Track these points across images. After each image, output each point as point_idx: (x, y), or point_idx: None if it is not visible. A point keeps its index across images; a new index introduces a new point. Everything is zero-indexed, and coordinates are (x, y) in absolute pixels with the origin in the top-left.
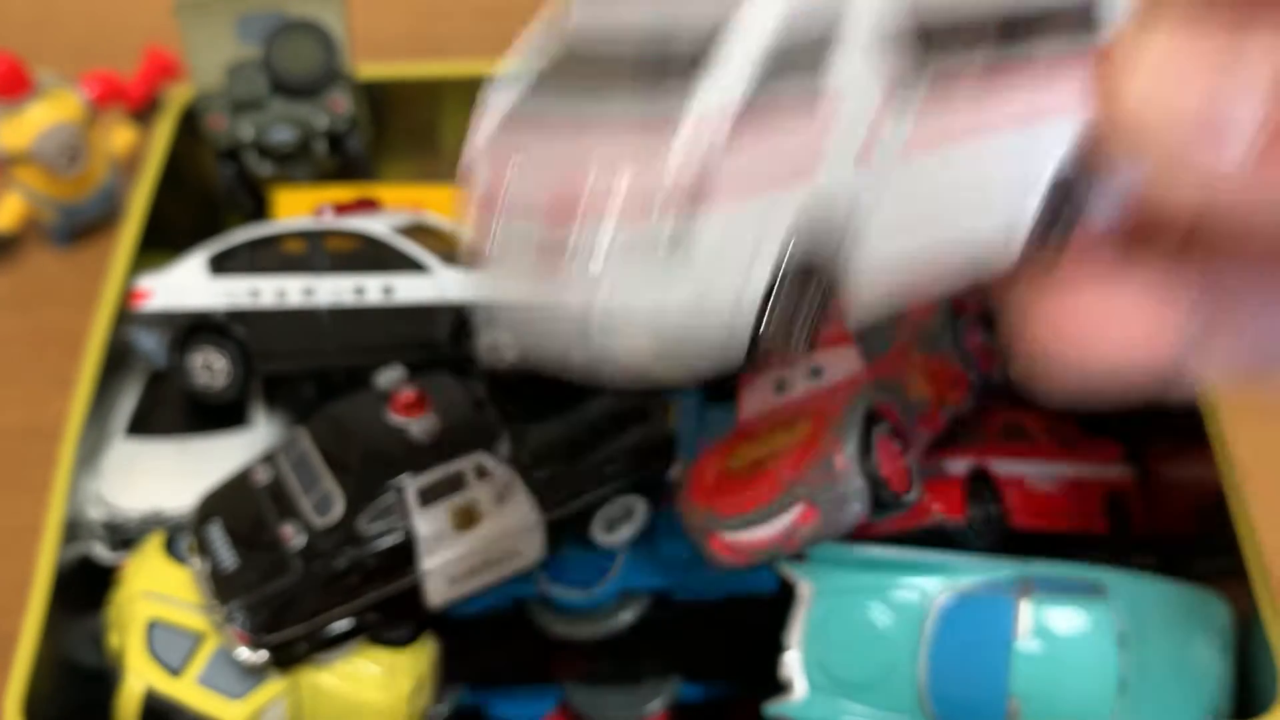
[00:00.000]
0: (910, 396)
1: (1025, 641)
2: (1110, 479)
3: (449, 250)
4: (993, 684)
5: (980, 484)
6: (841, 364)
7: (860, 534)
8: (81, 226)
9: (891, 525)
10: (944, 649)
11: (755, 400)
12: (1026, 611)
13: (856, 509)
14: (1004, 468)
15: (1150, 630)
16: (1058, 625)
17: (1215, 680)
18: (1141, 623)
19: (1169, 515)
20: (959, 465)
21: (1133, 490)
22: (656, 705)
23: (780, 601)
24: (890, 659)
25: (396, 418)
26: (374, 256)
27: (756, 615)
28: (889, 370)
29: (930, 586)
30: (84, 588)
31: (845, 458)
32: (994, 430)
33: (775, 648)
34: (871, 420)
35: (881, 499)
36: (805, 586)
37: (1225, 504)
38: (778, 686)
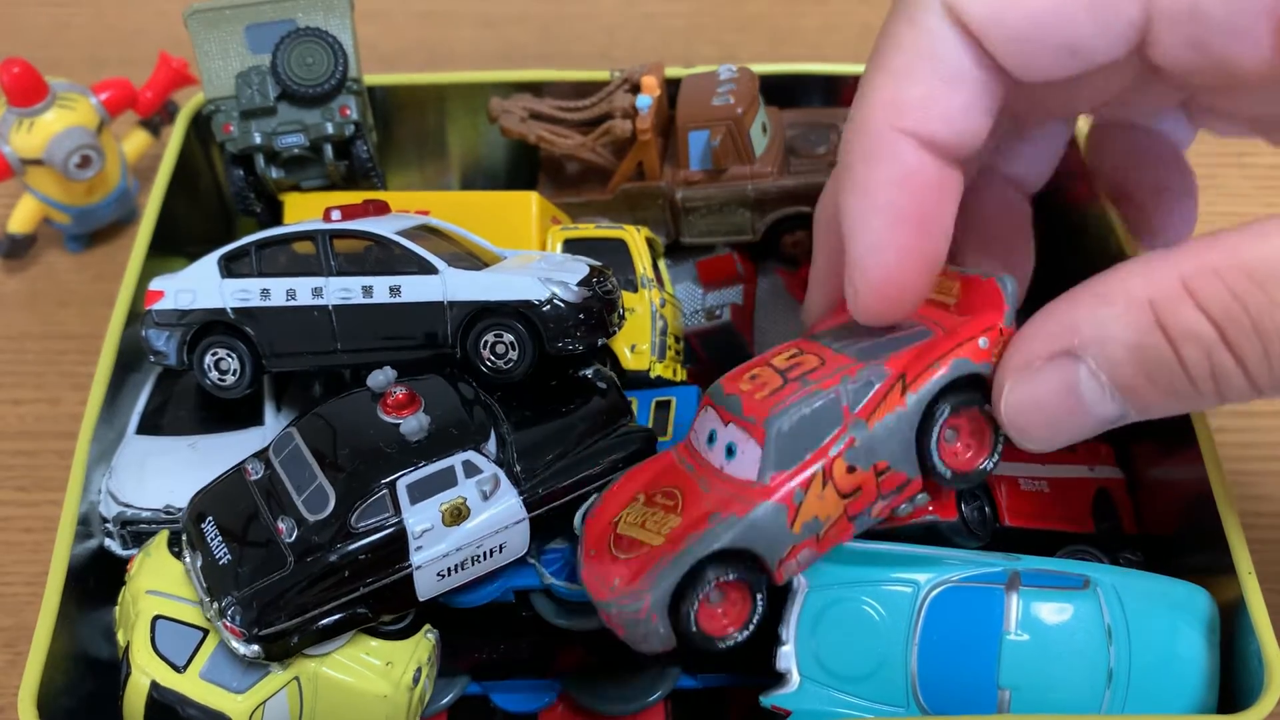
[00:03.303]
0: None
1: (1014, 634)
2: (1100, 480)
3: (455, 252)
4: (983, 675)
5: None
6: (749, 460)
7: None
8: (95, 230)
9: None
10: (935, 641)
11: (696, 436)
12: (1015, 604)
13: (656, 645)
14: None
15: (1137, 623)
16: (1046, 618)
17: (1201, 673)
18: (1128, 615)
19: (1156, 511)
20: None
21: (1121, 491)
22: (655, 695)
23: (776, 594)
24: (882, 651)
25: (387, 416)
26: (381, 257)
27: None
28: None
29: (921, 580)
30: (99, 582)
31: (649, 607)
32: None
33: (771, 639)
34: (711, 565)
35: (693, 644)
36: (799, 580)
37: (1211, 500)
38: (773, 677)
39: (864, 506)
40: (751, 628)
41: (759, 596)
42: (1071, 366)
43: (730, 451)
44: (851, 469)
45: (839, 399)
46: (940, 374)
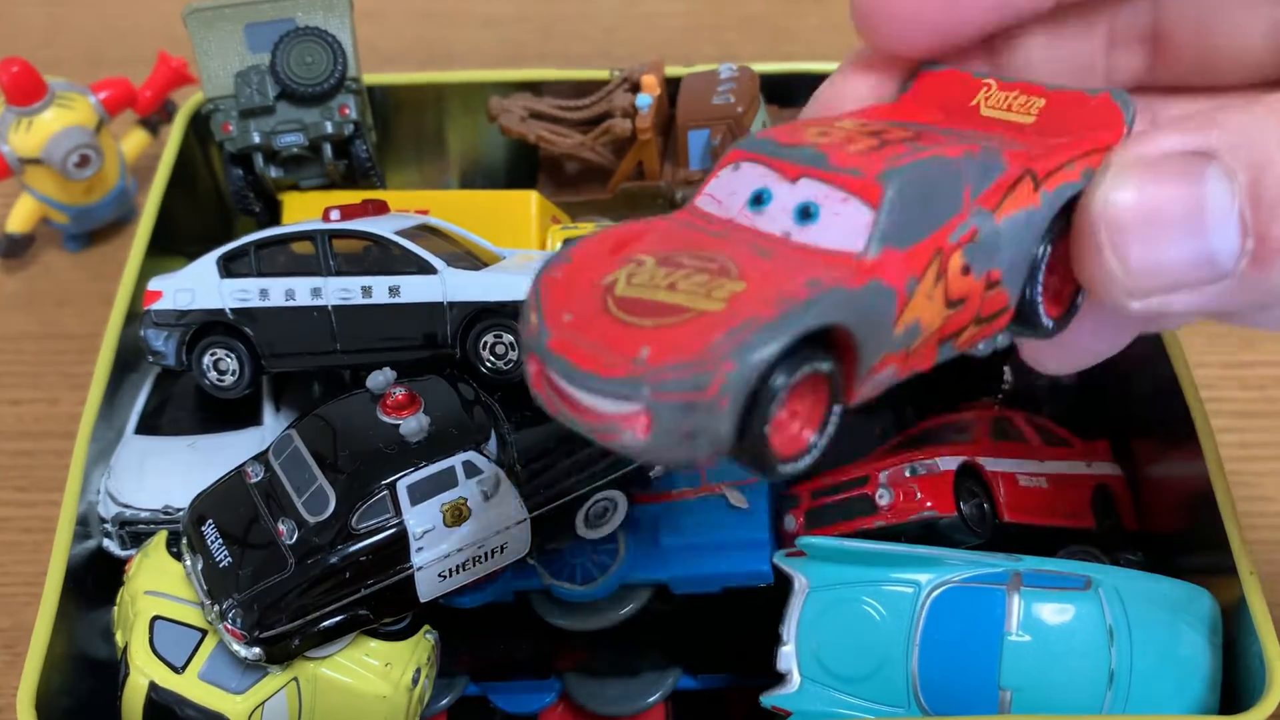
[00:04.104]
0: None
1: (1016, 634)
2: (1099, 476)
3: (455, 252)
4: (984, 676)
5: (970, 480)
6: (847, 225)
7: (851, 530)
8: (93, 230)
9: (883, 520)
10: (936, 641)
11: (716, 200)
12: (1017, 605)
13: (704, 448)
14: (994, 465)
15: (1138, 624)
16: (1048, 618)
17: (1203, 673)
18: (1130, 616)
19: (1157, 511)
20: (950, 462)
21: (1121, 487)
22: (656, 696)
23: (776, 595)
24: (883, 651)
25: (387, 417)
26: (381, 257)
27: (753, 608)
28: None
29: (922, 580)
30: (97, 583)
31: (725, 383)
32: (984, 429)
33: (771, 640)
34: (811, 347)
35: (756, 461)
36: (800, 580)
37: (1212, 500)
38: (774, 678)
39: (957, 328)
40: (806, 459)
41: (835, 408)
42: (1200, 165)
43: (808, 214)
44: (966, 269)
45: (961, 176)
46: (1072, 181)
